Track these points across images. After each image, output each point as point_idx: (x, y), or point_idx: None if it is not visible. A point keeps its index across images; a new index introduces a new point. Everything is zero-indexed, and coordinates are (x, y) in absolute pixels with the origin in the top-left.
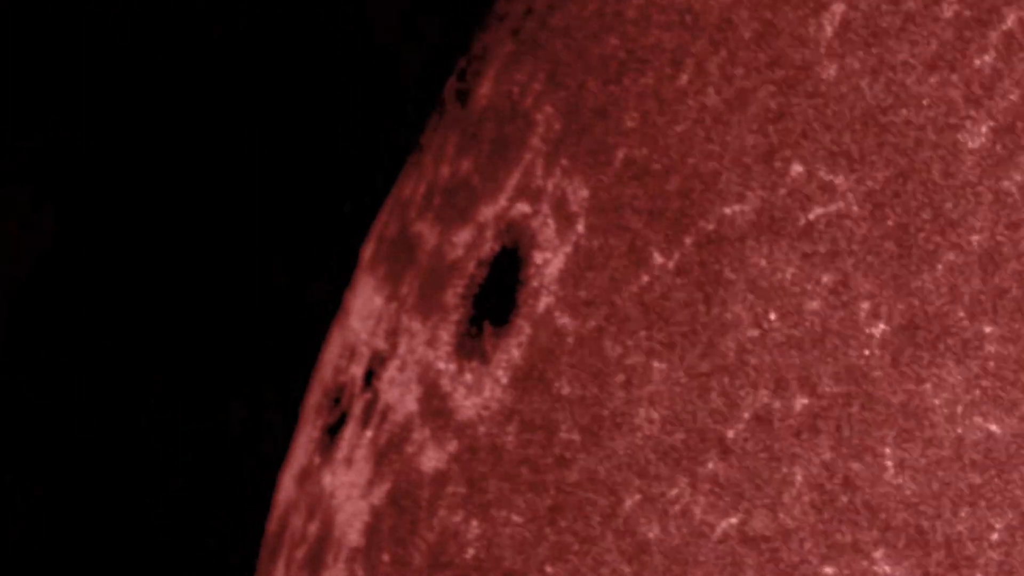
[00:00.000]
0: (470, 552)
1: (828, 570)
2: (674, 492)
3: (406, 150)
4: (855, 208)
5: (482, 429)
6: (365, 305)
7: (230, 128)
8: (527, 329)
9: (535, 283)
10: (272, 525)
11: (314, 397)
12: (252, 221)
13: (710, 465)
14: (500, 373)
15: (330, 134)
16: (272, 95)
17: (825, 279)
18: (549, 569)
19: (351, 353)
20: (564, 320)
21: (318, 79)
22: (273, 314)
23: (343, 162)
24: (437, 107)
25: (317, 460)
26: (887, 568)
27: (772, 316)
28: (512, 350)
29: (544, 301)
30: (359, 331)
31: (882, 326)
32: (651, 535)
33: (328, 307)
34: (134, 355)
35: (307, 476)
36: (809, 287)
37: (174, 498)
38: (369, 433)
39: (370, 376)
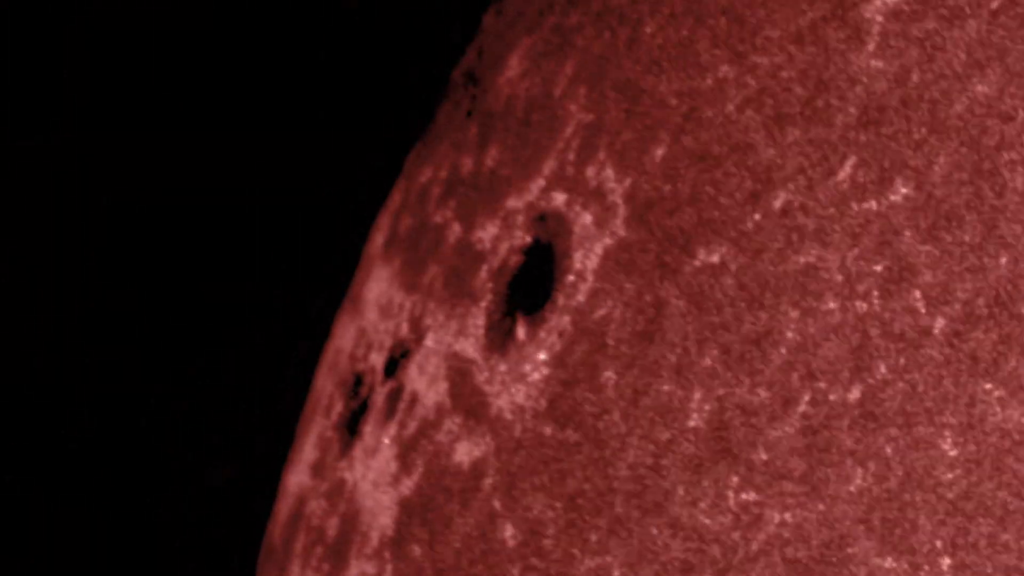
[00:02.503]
0: (509, 543)
1: (886, 564)
2: (726, 484)
3: (409, 137)
4: (908, 199)
5: (520, 420)
6: (382, 295)
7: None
8: (567, 319)
9: (573, 273)
10: (281, 517)
11: (323, 388)
12: (252, 212)
13: (763, 456)
14: (537, 363)
15: (330, 120)
16: (273, 81)
17: (878, 268)
18: (590, 562)
19: (368, 343)
20: (608, 310)
21: (319, 63)
22: (273, 308)
23: (344, 147)
24: (445, 95)
25: (334, 451)
26: (948, 560)
27: (830, 305)
28: (550, 340)
29: (585, 291)
30: (376, 321)
31: (940, 320)
32: (702, 527)
33: (328, 298)
34: (135, 354)
35: (323, 468)
36: (861, 277)
37: (174, 495)
38: (394, 423)
39: (392, 366)
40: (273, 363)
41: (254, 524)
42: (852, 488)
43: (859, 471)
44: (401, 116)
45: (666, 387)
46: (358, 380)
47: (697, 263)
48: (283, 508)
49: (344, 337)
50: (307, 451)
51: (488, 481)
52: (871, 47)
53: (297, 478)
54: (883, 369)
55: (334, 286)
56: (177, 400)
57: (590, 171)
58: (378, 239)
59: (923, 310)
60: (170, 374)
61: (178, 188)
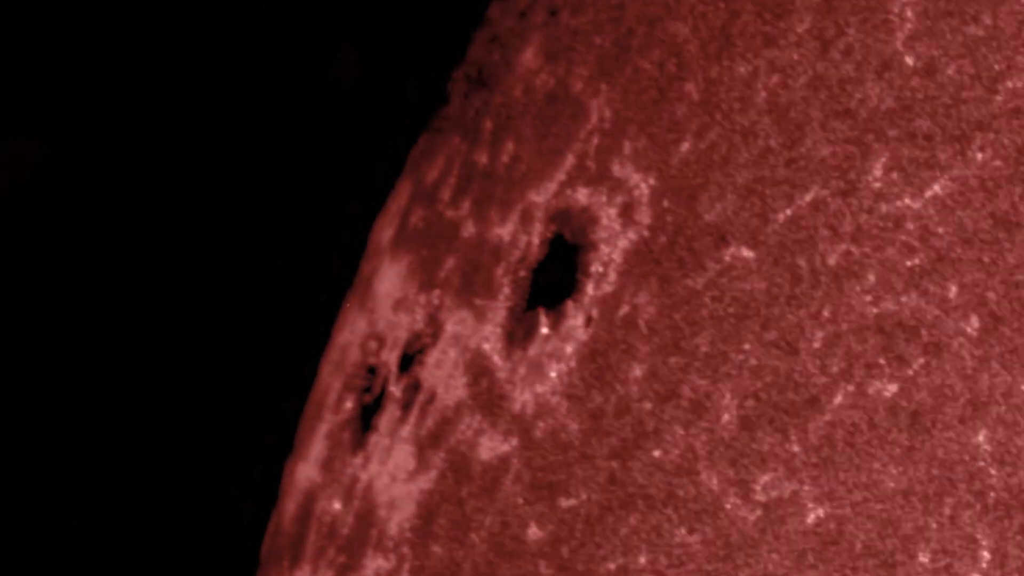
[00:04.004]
0: (533, 539)
1: (924, 558)
2: (757, 478)
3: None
4: (940, 197)
5: (544, 415)
6: (394, 291)
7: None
8: (593, 314)
9: (598, 268)
10: (288, 513)
11: (330, 384)
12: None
13: (795, 448)
14: (562, 357)
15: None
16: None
17: (910, 264)
18: (621, 560)
19: (380, 338)
20: (634, 305)
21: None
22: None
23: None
24: (448, 91)
25: (347, 447)
26: (987, 556)
27: (865, 300)
28: (574, 335)
29: (611, 285)
30: (389, 317)
31: (974, 318)
32: (733, 520)
33: (329, 294)
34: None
35: (335, 463)
36: (895, 273)
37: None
38: (412, 419)
39: (408, 361)
40: (273, 360)
41: (254, 522)
42: (888, 481)
43: (894, 465)
44: (398, 112)
45: (698, 381)
46: (370, 376)
47: (727, 258)
48: (290, 504)
49: (352, 333)
50: (315, 447)
51: (511, 477)
52: (900, 40)
53: (305, 474)
54: (918, 364)
55: (334, 282)
56: (177, 398)
57: (614, 166)
58: (385, 234)
59: (958, 305)
60: (170, 372)
61: (178, 186)
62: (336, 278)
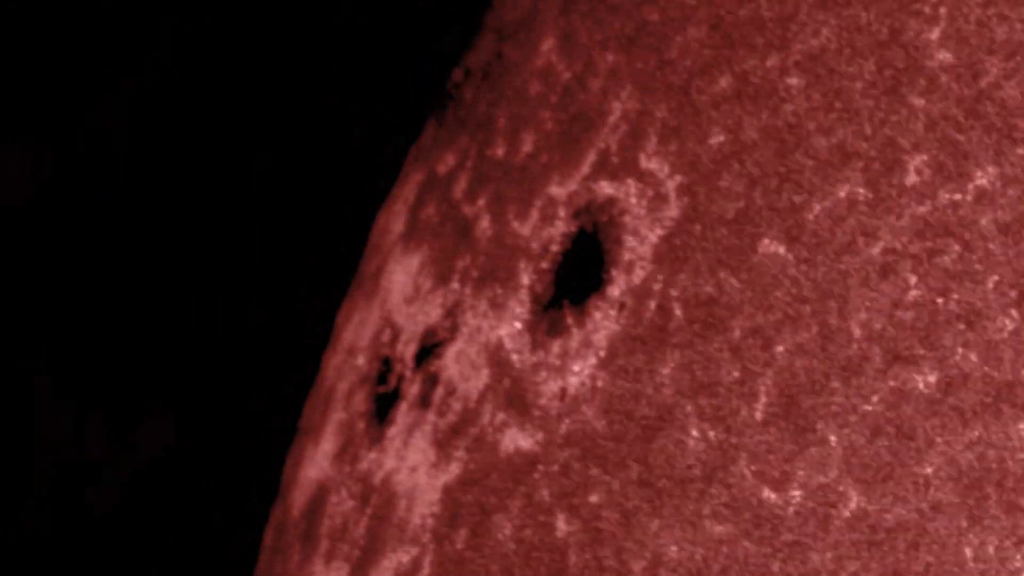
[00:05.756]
0: (563, 532)
1: (967, 553)
2: (801, 470)
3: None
4: (972, 194)
5: (571, 409)
6: (407, 284)
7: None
8: (621, 307)
9: (626, 260)
10: (297, 506)
11: (338, 379)
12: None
13: (833, 439)
14: (588, 351)
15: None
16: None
17: (948, 260)
18: (653, 553)
19: (394, 332)
20: (665, 298)
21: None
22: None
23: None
24: (454, 79)
25: (362, 440)
26: None
27: (911, 295)
28: (601, 327)
29: (639, 278)
30: (403, 310)
31: (1014, 310)
32: (771, 517)
33: (329, 290)
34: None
35: (349, 458)
36: (933, 267)
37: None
38: (431, 413)
39: (425, 354)
40: (274, 356)
41: (253, 520)
42: (931, 472)
43: (936, 456)
44: (399, 104)
45: (731, 373)
46: (384, 369)
47: (760, 251)
48: (298, 497)
49: (361, 327)
50: (325, 441)
51: (538, 471)
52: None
53: (315, 466)
54: (958, 356)
55: (334, 278)
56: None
57: (640, 158)
58: (394, 228)
59: (998, 298)
60: (169, 371)
61: (177, 183)
62: (338, 271)
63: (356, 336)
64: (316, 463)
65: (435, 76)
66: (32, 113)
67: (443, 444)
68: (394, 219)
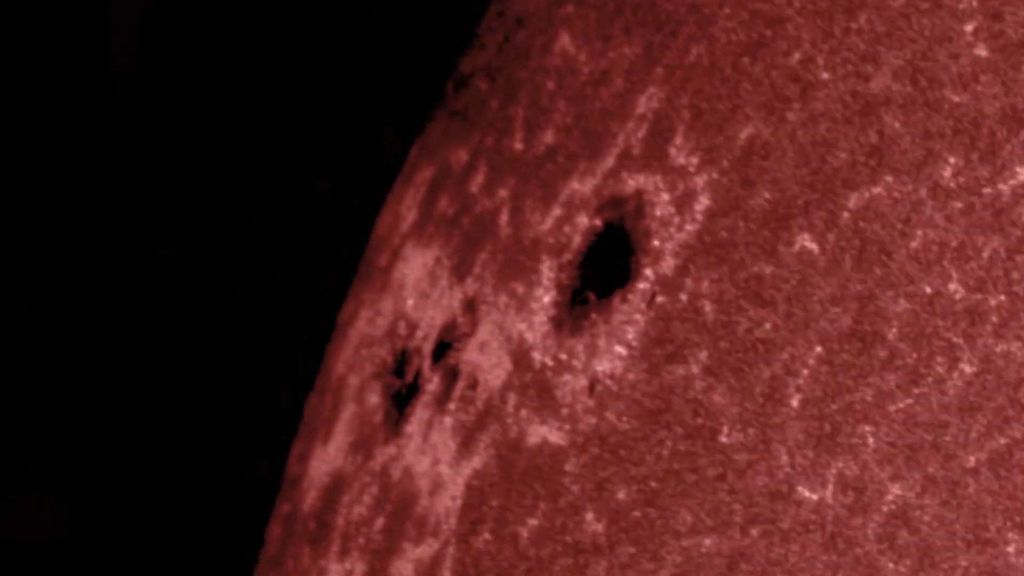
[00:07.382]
0: (591, 529)
1: (1010, 549)
2: (837, 465)
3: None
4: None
5: (598, 403)
6: (422, 278)
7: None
8: (653, 303)
9: (653, 255)
10: (308, 502)
11: (349, 373)
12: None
13: (869, 433)
14: (616, 345)
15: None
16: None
17: (987, 254)
18: (685, 545)
19: (410, 326)
20: (697, 292)
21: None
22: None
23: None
24: (468, 74)
25: (379, 434)
26: None
27: (952, 286)
28: (631, 323)
29: (668, 273)
30: (418, 304)
31: None
32: (807, 508)
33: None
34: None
35: (363, 451)
36: (973, 262)
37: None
38: (452, 407)
39: (443, 349)
40: (276, 353)
41: (253, 518)
42: (970, 465)
43: (974, 449)
44: (403, 96)
45: (764, 368)
46: (401, 362)
47: (794, 246)
48: (309, 493)
49: (373, 321)
50: (337, 436)
51: (564, 466)
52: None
53: (327, 461)
54: (1000, 350)
55: (343, 269)
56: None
57: (670, 151)
58: (404, 222)
59: None
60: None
61: (176, 179)
62: (344, 265)
63: (367, 330)
64: (327, 457)
65: (440, 70)
66: (32, 111)
67: (465, 437)
68: (404, 213)
